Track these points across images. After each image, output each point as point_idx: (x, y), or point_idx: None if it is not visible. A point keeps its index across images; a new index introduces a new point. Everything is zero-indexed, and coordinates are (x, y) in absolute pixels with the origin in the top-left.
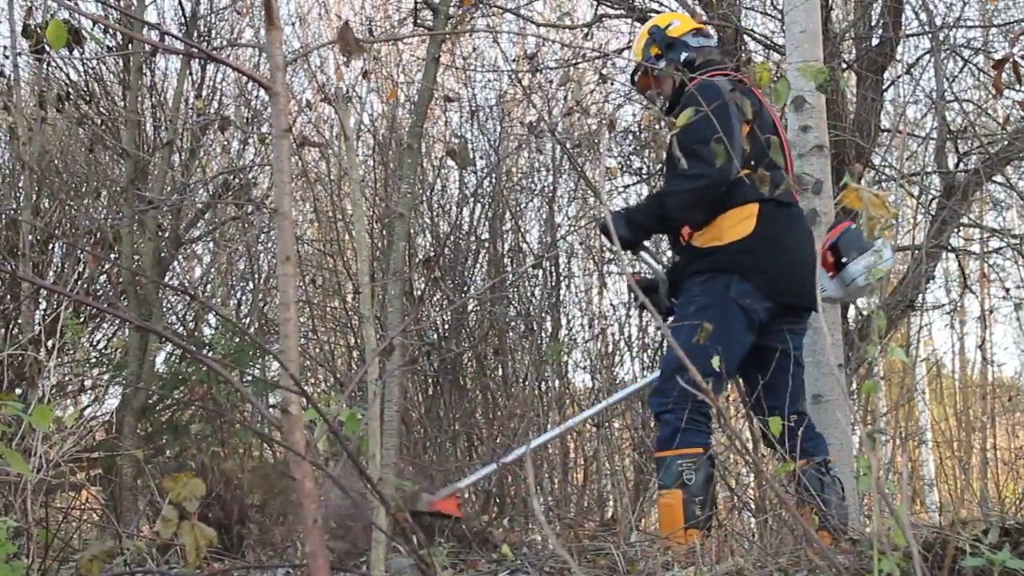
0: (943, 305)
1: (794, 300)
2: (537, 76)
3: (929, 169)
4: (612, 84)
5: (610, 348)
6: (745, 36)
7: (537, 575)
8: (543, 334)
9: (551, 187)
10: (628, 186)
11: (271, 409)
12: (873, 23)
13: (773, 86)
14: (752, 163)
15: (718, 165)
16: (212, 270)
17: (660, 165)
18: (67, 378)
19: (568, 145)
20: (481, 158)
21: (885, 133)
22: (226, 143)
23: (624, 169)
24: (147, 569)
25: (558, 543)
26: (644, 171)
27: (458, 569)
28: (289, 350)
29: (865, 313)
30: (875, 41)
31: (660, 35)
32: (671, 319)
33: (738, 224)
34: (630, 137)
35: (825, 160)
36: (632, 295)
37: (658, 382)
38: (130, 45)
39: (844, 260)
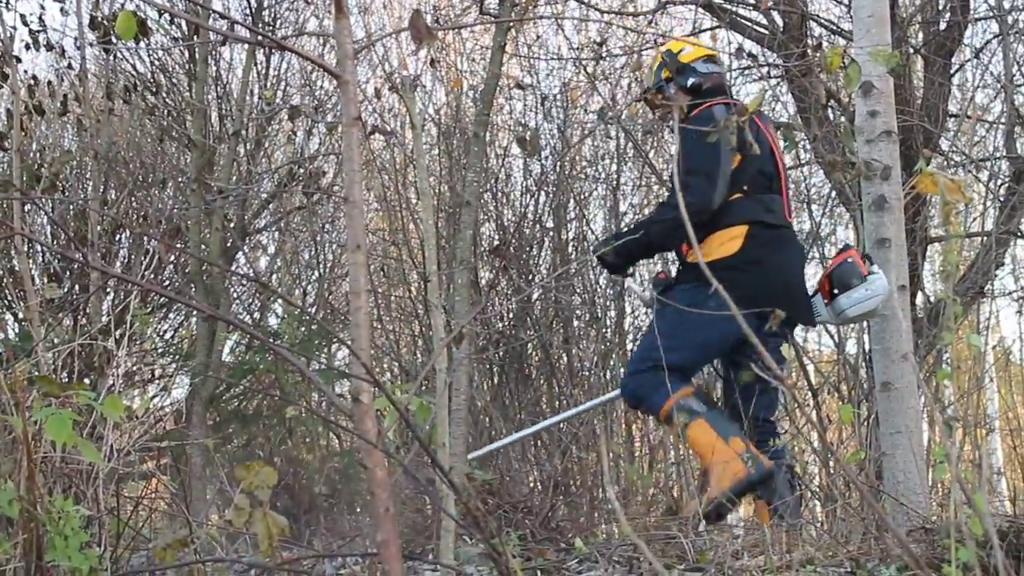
0: (1012, 292)
1: (775, 314)
2: (602, 63)
3: (998, 154)
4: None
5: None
6: (811, 22)
7: (607, 565)
8: (608, 322)
9: (615, 175)
10: None
11: (340, 398)
12: (941, 7)
13: (844, 71)
14: (745, 188)
15: (702, 197)
16: (278, 260)
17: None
18: (135, 368)
19: (633, 132)
20: (545, 146)
21: (953, 118)
22: (291, 133)
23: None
24: (218, 558)
25: (632, 531)
26: None
27: (526, 558)
28: (360, 339)
29: (934, 300)
30: (943, 25)
31: (672, 59)
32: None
33: (726, 243)
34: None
35: (893, 146)
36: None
37: (626, 377)
38: (196, 36)
39: (836, 292)
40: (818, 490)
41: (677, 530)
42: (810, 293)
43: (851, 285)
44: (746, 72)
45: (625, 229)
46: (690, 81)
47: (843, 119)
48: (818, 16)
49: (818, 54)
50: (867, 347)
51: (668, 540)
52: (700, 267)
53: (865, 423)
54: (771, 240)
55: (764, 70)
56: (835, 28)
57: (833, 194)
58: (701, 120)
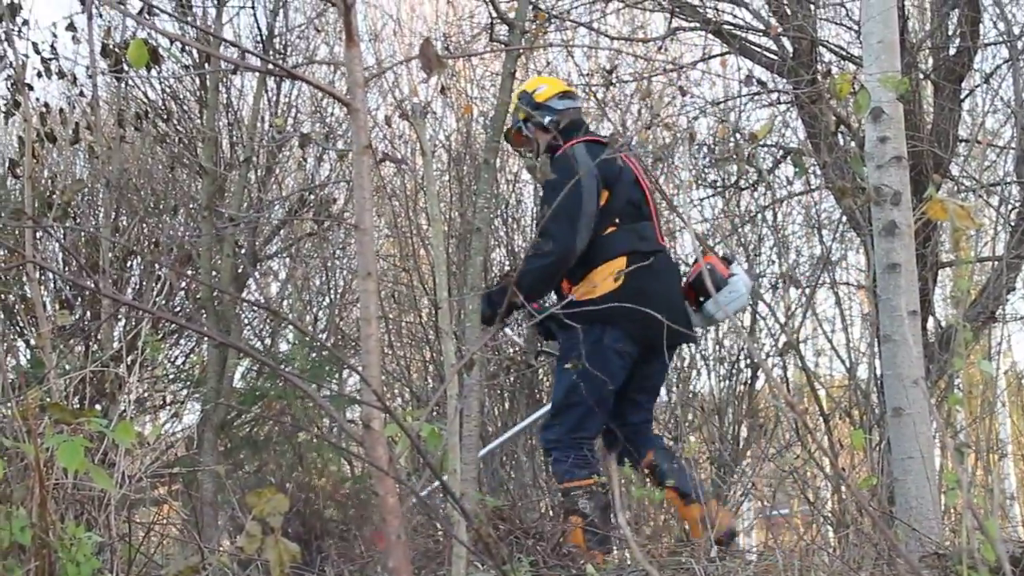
0: None
1: (657, 341)
2: (611, 90)
3: (1009, 179)
4: (689, 97)
5: (687, 362)
6: (821, 48)
7: None
8: None
9: None
10: (703, 199)
11: (351, 424)
12: (950, 32)
13: (853, 97)
14: (617, 220)
15: (564, 242)
16: (288, 286)
17: (733, 178)
18: (146, 394)
19: (643, 158)
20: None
21: (963, 143)
22: (302, 160)
23: (699, 182)
24: None
25: (644, 558)
26: (719, 184)
27: None
28: (371, 365)
29: (945, 325)
30: (952, 51)
31: (527, 99)
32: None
33: (608, 277)
34: (704, 150)
35: (903, 171)
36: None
37: (547, 419)
38: (207, 64)
39: (701, 299)
40: (830, 516)
41: (689, 556)
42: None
43: (717, 289)
44: (756, 98)
45: (495, 285)
46: (547, 119)
47: (852, 145)
48: (828, 42)
49: (828, 81)
50: (878, 372)
51: (680, 567)
52: (586, 304)
53: (877, 449)
54: (649, 268)
55: (773, 96)
56: (845, 54)
57: (843, 219)
58: (563, 160)
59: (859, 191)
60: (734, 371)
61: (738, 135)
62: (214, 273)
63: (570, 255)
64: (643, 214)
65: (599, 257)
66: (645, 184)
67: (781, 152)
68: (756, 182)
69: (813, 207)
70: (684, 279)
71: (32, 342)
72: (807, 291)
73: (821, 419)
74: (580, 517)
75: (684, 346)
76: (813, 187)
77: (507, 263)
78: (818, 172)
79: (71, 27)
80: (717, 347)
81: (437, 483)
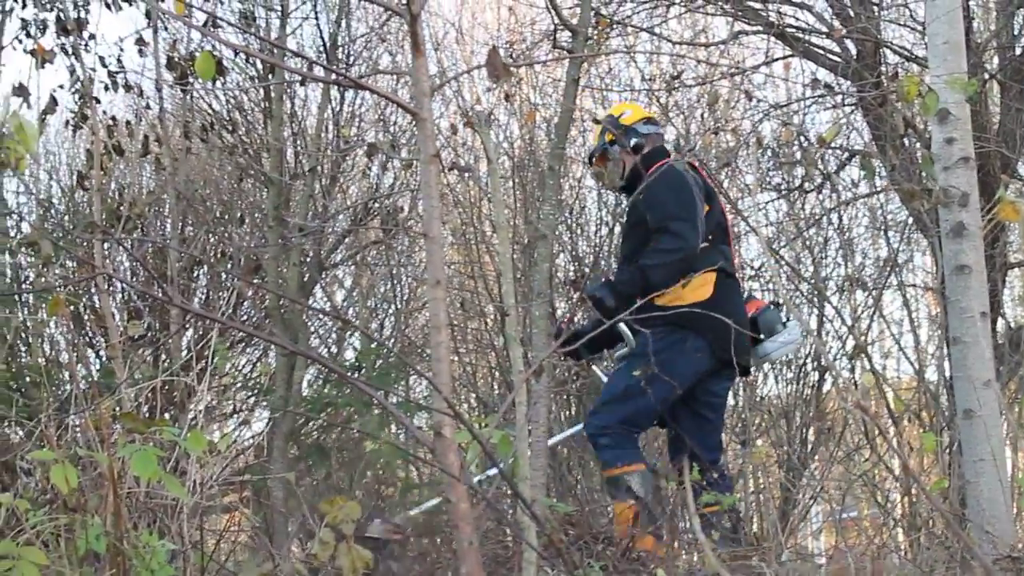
0: None
1: (733, 357)
2: (675, 94)
3: None
4: (753, 101)
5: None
6: (885, 49)
7: None
8: None
9: None
10: (768, 202)
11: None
12: (1016, 32)
13: (921, 99)
14: (710, 237)
15: (689, 240)
16: (354, 294)
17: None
18: (215, 403)
19: (708, 163)
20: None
21: None
22: (366, 169)
23: (764, 185)
24: None
25: (718, 562)
26: (783, 187)
27: None
28: (441, 373)
29: (1015, 326)
30: (1019, 50)
31: (614, 123)
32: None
33: (698, 289)
34: (768, 153)
35: (971, 172)
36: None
37: (597, 406)
38: (272, 75)
39: (761, 336)
40: (900, 519)
41: (760, 560)
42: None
43: (775, 331)
44: (819, 101)
45: (615, 277)
46: (633, 141)
47: (918, 146)
48: (892, 43)
49: (895, 83)
50: (948, 374)
51: (751, 570)
52: (671, 311)
53: (947, 451)
54: (730, 288)
55: (837, 99)
56: (909, 55)
57: (910, 221)
58: (667, 173)
59: (927, 193)
60: (801, 374)
61: (803, 138)
62: (281, 282)
63: (694, 251)
64: (725, 240)
65: (693, 267)
66: (725, 211)
67: (846, 154)
68: (821, 185)
69: (879, 209)
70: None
71: (102, 352)
72: (874, 293)
73: (891, 422)
74: (632, 499)
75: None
76: (879, 189)
77: (572, 269)
78: (883, 173)
79: (140, 41)
80: None
81: (506, 489)
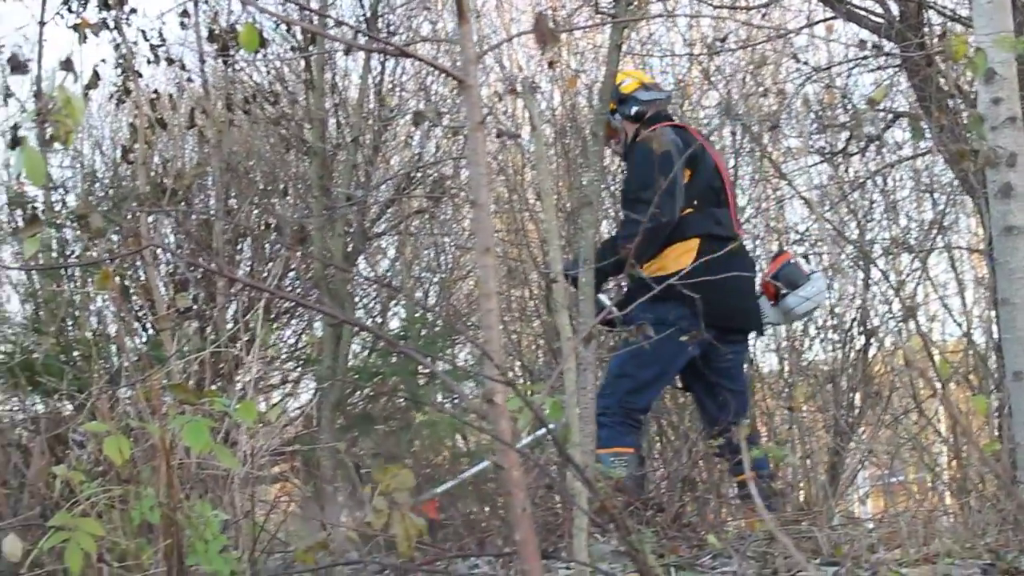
0: None
1: (729, 324)
2: (716, 58)
3: None
4: (800, 62)
5: (798, 331)
6: (928, 10)
7: (740, 560)
8: None
9: (733, 170)
10: (811, 166)
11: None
12: None
13: (968, 60)
14: (696, 203)
15: (662, 210)
16: (398, 263)
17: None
18: (262, 374)
19: (752, 127)
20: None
21: None
22: (408, 139)
23: (808, 149)
24: (359, 559)
25: (775, 525)
26: (827, 150)
27: (659, 555)
28: (492, 340)
29: None
30: None
31: (614, 92)
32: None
33: (681, 256)
34: (812, 116)
35: (1018, 132)
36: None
37: (600, 387)
38: (313, 45)
39: (783, 292)
40: (950, 482)
41: (810, 525)
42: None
43: (798, 284)
44: (863, 63)
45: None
46: (633, 109)
47: (962, 106)
48: (935, 3)
49: (943, 43)
50: (996, 336)
51: (801, 535)
52: (656, 281)
53: (997, 414)
54: (721, 250)
55: (880, 60)
56: (953, 15)
57: (955, 183)
58: (639, 146)
59: (974, 154)
60: (847, 339)
61: (847, 101)
62: (326, 253)
63: (671, 222)
64: (721, 201)
65: (674, 236)
66: (725, 173)
67: (890, 116)
68: (866, 147)
69: (924, 171)
70: (763, 273)
71: (148, 325)
72: (921, 256)
73: (939, 384)
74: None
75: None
76: (925, 151)
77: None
78: (928, 135)
79: (184, 14)
80: (830, 315)
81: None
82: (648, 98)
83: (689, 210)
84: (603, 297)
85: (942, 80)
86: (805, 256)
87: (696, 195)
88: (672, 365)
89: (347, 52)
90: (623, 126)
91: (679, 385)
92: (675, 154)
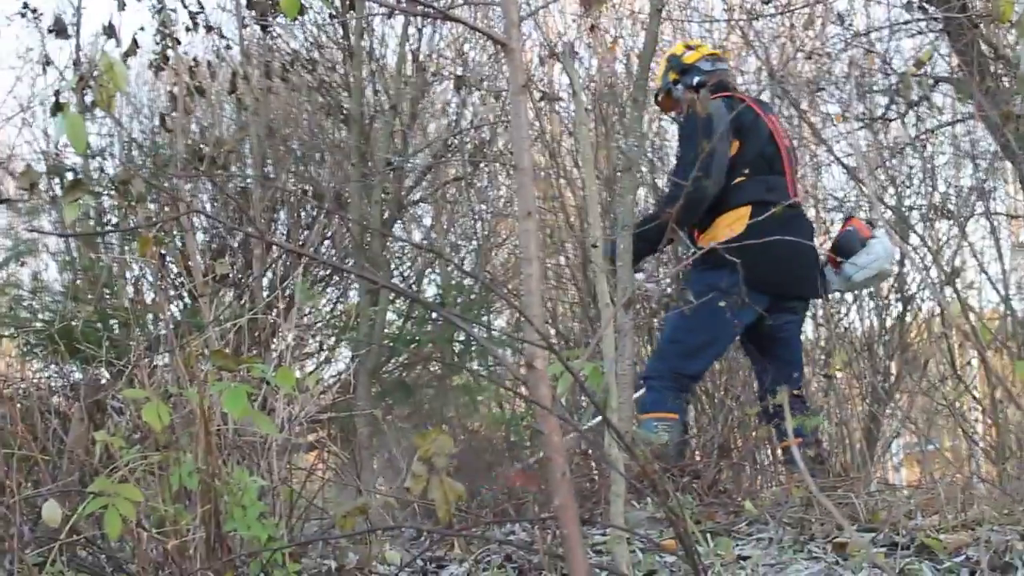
0: None
1: (785, 291)
2: (756, 23)
3: None
4: (845, 24)
5: (835, 298)
6: None
7: (777, 526)
8: None
9: None
10: (850, 132)
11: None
12: None
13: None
14: (747, 171)
15: (701, 183)
16: (433, 232)
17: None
18: (297, 342)
19: (792, 92)
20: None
21: None
22: (444, 106)
23: (847, 115)
24: (395, 525)
25: (819, 492)
26: (866, 116)
27: (696, 521)
28: (532, 304)
29: None
30: None
31: (676, 63)
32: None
33: (732, 224)
34: (852, 82)
35: None
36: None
37: (652, 354)
38: (352, 10)
39: (840, 260)
40: (988, 449)
41: (847, 491)
42: (821, 266)
43: (853, 251)
44: (904, 27)
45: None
46: (695, 80)
47: (1004, 71)
48: None
49: (988, 4)
50: None
51: (839, 502)
52: (710, 249)
53: None
54: (773, 219)
55: (922, 24)
56: None
57: (994, 149)
58: (693, 116)
59: (1017, 118)
60: (884, 305)
61: (888, 66)
62: (363, 221)
63: (703, 197)
64: (775, 169)
65: (725, 205)
66: (781, 140)
67: (931, 81)
68: (906, 112)
69: (965, 136)
70: (829, 241)
71: (183, 293)
72: (960, 222)
73: (978, 350)
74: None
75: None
76: (963, 116)
77: (652, 203)
78: (969, 100)
79: None
80: None
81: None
82: (711, 69)
83: (740, 179)
84: (641, 276)
85: (984, 45)
86: (870, 222)
87: (747, 164)
88: (723, 333)
89: (389, 16)
90: (685, 97)
91: (745, 354)
92: (721, 125)
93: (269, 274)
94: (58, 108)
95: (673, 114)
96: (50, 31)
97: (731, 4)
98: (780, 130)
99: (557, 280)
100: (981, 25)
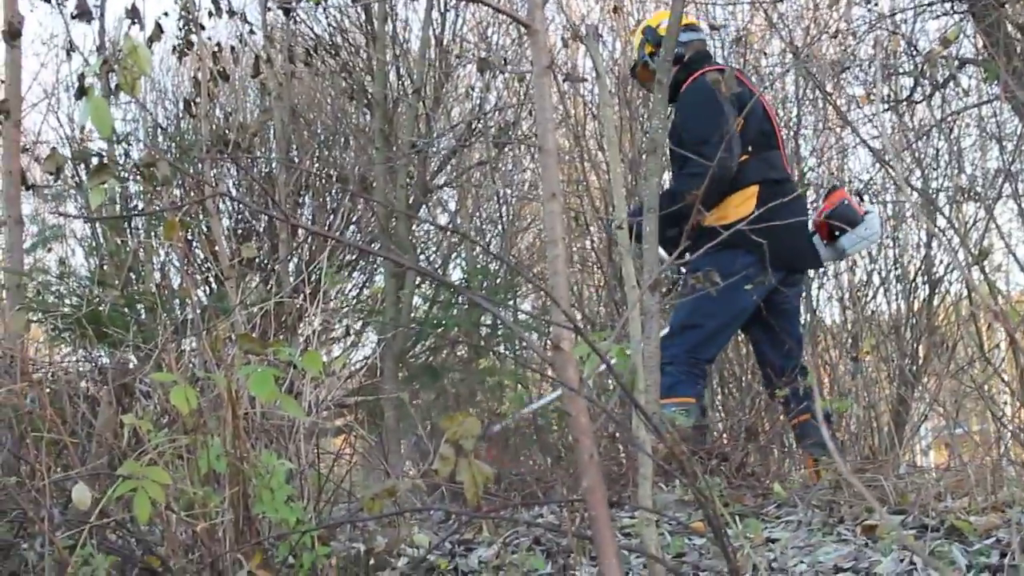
0: None
1: (792, 265)
2: (779, 5)
3: None
4: (870, 3)
5: (864, 278)
6: None
7: (806, 509)
8: None
9: (796, 119)
10: (875, 114)
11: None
12: None
13: None
14: (750, 149)
15: (722, 160)
16: (458, 216)
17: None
18: (324, 325)
19: (818, 74)
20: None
21: None
22: (468, 89)
23: (872, 96)
24: (423, 507)
25: (850, 474)
26: (891, 98)
27: (724, 503)
28: (559, 286)
29: None
30: None
31: (652, 34)
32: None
33: (742, 204)
34: (877, 63)
35: None
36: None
37: (666, 337)
38: None
39: (837, 233)
40: (1019, 431)
41: (875, 473)
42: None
43: (855, 224)
44: (929, 8)
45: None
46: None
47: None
48: None
49: None
50: None
51: (868, 484)
52: (719, 230)
53: None
54: (780, 196)
55: (947, 6)
56: None
57: (1021, 130)
58: (695, 89)
59: None
60: (911, 288)
61: (912, 48)
62: (388, 205)
63: (726, 173)
64: (772, 144)
65: (733, 185)
66: (773, 116)
67: (957, 63)
68: (931, 94)
69: (991, 118)
70: (818, 212)
71: (210, 277)
72: (987, 204)
73: (1006, 333)
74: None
75: (862, 263)
76: (990, 98)
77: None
78: (995, 82)
79: None
80: (895, 265)
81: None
82: (688, 39)
83: (744, 157)
84: (661, 251)
85: (1010, 25)
86: (859, 194)
87: (749, 141)
88: (738, 314)
89: None
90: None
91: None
92: (725, 102)
93: (295, 258)
94: (82, 92)
95: (649, 85)
96: (73, 16)
97: None
98: (769, 105)
99: (583, 264)
100: (1007, 5)
